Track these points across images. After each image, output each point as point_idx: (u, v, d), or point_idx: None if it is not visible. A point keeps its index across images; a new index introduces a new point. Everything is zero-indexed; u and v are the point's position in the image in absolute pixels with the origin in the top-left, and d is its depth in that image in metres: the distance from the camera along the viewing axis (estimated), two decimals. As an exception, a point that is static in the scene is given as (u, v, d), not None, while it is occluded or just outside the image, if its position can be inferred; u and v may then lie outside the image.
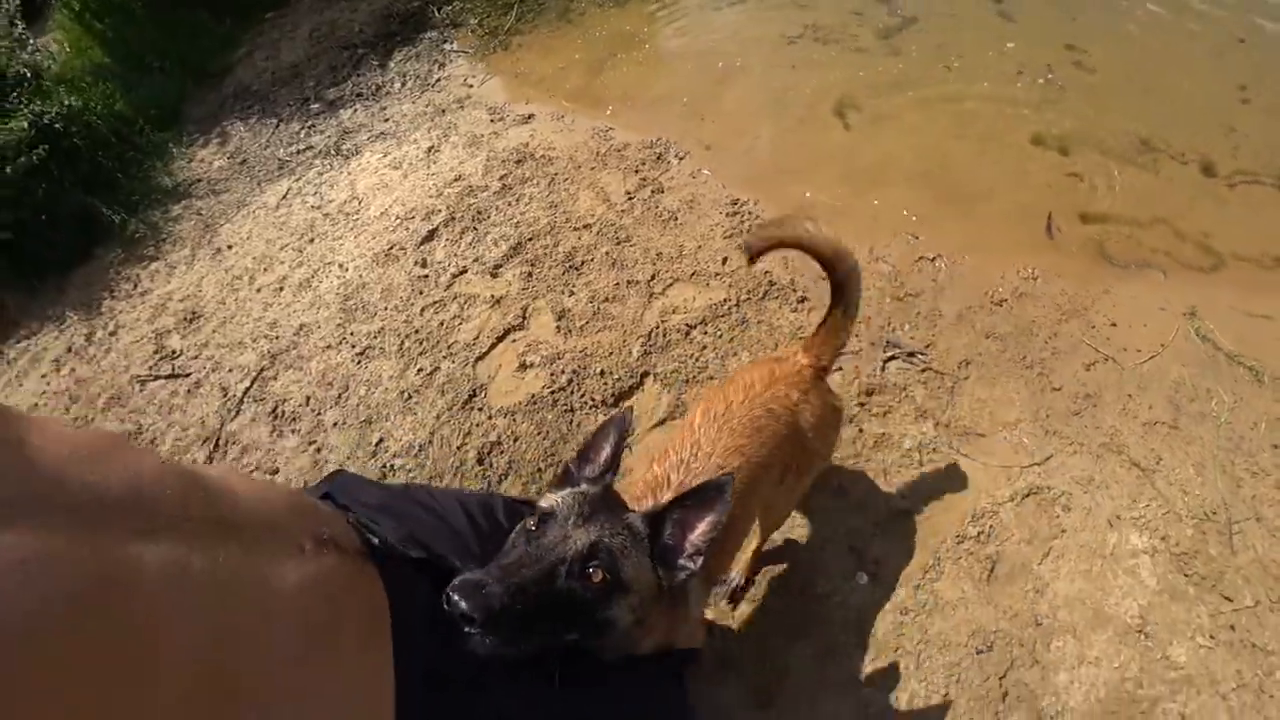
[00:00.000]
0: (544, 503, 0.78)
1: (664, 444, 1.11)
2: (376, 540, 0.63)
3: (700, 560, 0.77)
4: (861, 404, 1.61)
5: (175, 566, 0.41)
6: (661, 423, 1.66)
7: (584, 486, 0.81)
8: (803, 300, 1.83)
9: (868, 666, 1.25)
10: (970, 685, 1.21)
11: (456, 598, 0.61)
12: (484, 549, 0.78)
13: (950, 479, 1.46)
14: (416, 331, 2.01)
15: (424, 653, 0.60)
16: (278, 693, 0.47)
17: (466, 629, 0.61)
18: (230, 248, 2.73)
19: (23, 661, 0.32)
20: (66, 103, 3.23)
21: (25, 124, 2.92)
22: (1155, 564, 1.30)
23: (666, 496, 0.95)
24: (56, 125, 3.09)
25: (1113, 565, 1.31)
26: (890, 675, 1.24)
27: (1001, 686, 1.20)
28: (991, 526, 1.37)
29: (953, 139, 2.14)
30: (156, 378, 2.32)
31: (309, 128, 3.28)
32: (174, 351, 2.38)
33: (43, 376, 2.59)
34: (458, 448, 1.71)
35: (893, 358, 1.69)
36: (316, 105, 3.44)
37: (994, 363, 1.64)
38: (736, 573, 1.38)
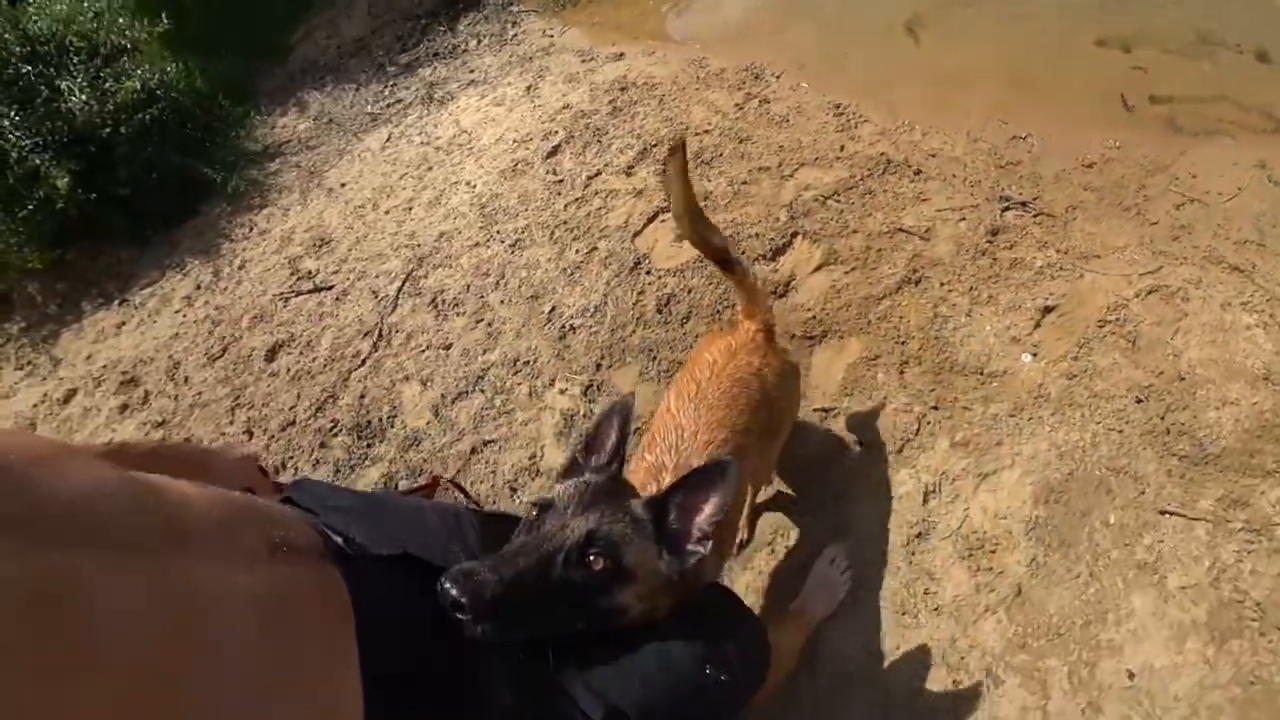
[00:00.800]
0: (547, 494, 0.79)
1: (647, 435, 1.16)
2: (341, 540, 0.63)
3: (709, 545, 0.76)
4: (989, 241, 1.86)
5: (116, 575, 0.41)
6: (819, 268, 1.89)
7: (588, 476, 0.81)
8: (918, 173, 2.09)
9: (1052, 418, 1.49)
10: (1138, 425, 1.45)
11: (448, 585, 0.61)
12: (460, 547, 0.77)
13: (1082, 286, 1.71)
14: (564, 223, 2.21)
15: (399, 652, 0.59)
16: (232, 700, 0.46)
17: (458, 616, 0.61)
18: (343, 185, 2.90)
19: None
20: (155, 76, 3.38)
21: (138, 85, 3.07)
22: (1268, 334, 1.56)
23: (667, 480, 0.98)
24: (158, 91, 3.25)
25: (1233, 336, 1.56)
26: (1072, 421, 1.47)
27: (1164, 423, 1.44)
28: (1125, 314, 1.62)
29: (1020, 49, 2.43)
30: (299, 293, 2.48)
31: (390, 87, 3.48)
32: (311, 271, 2.55)
33: (176, 312, 2.73)
34: (634, 304, 1.91)
35: (1008, 208, 1.95)
36: (392, 69, 3.63)
37: (1095, 207, 1.91)
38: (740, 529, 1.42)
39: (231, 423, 2.18)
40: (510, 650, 0.68)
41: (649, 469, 1.04)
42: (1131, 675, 1.19)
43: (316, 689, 0.53)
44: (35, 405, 2.70)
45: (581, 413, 1.72)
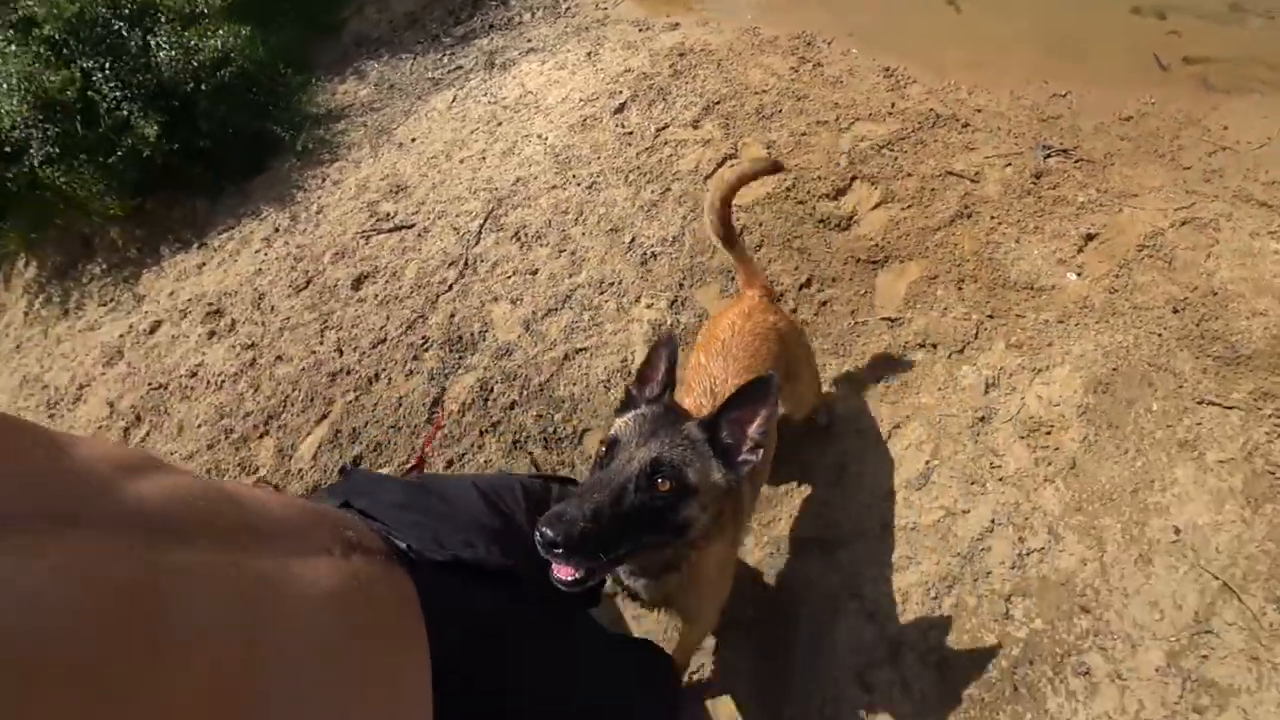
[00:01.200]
0: (611, 430, 0.87)
1: (682, 386, 1.28)
2: (403, 545, 0.66)
3: (760, 452, 0.86)
4: (1034, 182, 2.03)
5: (206, 571, 0.43)
6: (878, 205, 2.07)
7: (644, 408, 0.89)
8: (965, 125, 2.27)
9: (1097, 324, 1.66)
10: (1175, 330, 1.62)
11: (544, 528, 0.70)
12: (506, 528, 0.85)
13: (1121, 218, 1.88)
14: (637, 168, 2.39)
15: (461, 657, 0.61)
16: (316, 694, 0.48)
17: (555, 551, 0.71)
18: (413, 141, 3.08)
19: (52, 664, 0.33)
20: (230, 39, 3.57)
21: (218, 45, 3.26)
22: (1292, 259, 1.73)
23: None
24: (231, 55, 3.44)
25: (1261, 259, 1.74)
26: (1115, 327, 1.64)
27: (1199, 330, 1.61)
28: (1161, 241, 1.80)
29: (1057, 16, 2.62)
30: (379, 232, 2.65)
31: (449, 55, 3.66)
32: (390, 213, 2.72)
33: (256, 252, 2.90)
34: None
35: (1050, 155, 2.12)
36: (448, 40, 3.82)
37: (1131, 154, 2.09)
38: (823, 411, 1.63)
39: (321, 343, 2.35)
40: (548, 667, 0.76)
41: (690, 410, 1.12)
42: (1177, 531, 1.36)
43: (395, 685, 0.54)
44: (121, 336, 2.88)
45: (668, 323, 1.89)
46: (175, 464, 0.60)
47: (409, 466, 1.17)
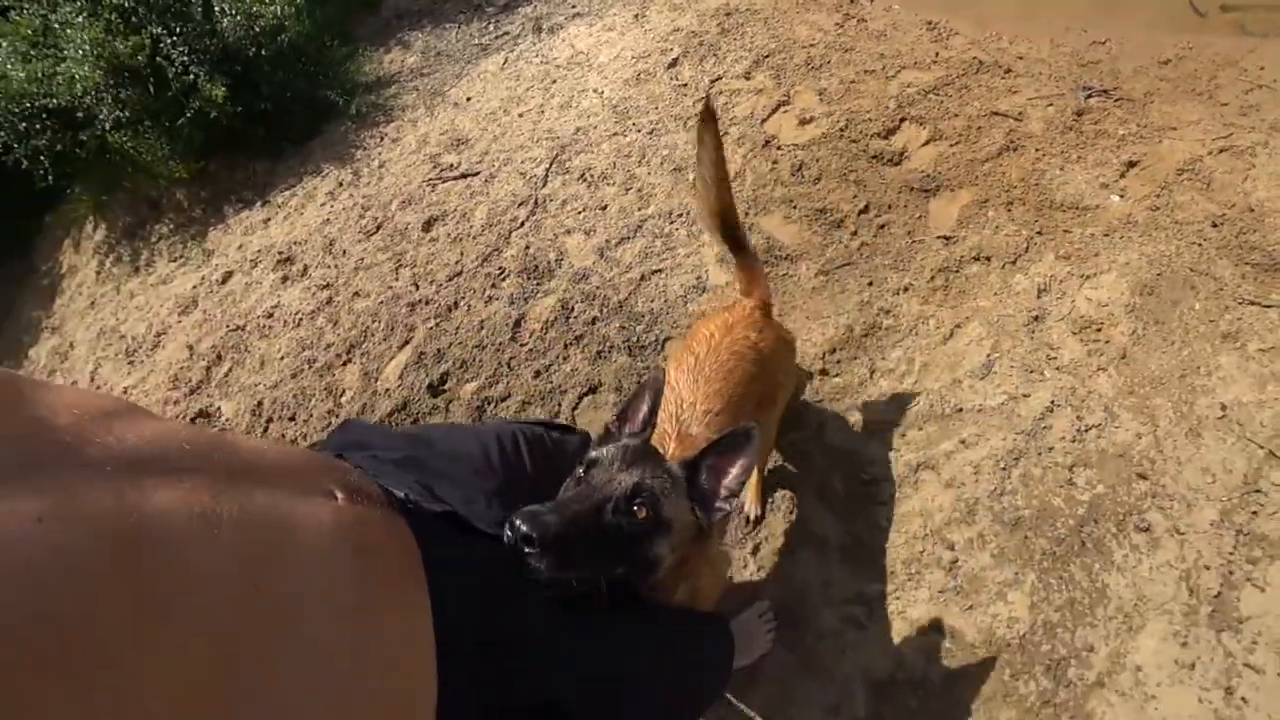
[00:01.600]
0: (591, 454, 0.86)
1: None
2: (401, 495, 0.64)
3: (734, 502, 0.86)
4: (1075, 120, 2.16)
5: (201, 511, 0.41)
6: (927, 143, 2.20)
7: (625, 441, 0.89)
8: (1008, 71, 2.39)
9: (1141, 237, 1.79)
10: (1215, 241, 1.75)
11: (518, 522, 0.68)
12: (508, 478, 0.85)
13: (1161, 148, 2.01)
14: (695, 115, 2.52)
15: (461, 607, 0.59)
16: (324, 645, 0.45)
17: (526, 549, 0.68)
18: (468, 100, 3.23)
19: (46, 617, 0.30)
20: (283, 6, 3.71)
21: (278, 10, 3.41)
22: (1323, 180, 1.86)
23: (671, 446, 1.09)
24: (285, 23, 3.59)
25: (1294, 181, 1.86)
26: (1157, 239, 1.78)
27: (1237, 240, 1.74)
28: (1199, 166, 1.93)
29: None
30: (445, 179, 2.80)
31: (494, 23, 3.80)
32: (453, 164, 2.86)
33: (321, 205, 3.05)
34: (769, 170, 2.22)
35: (1090, 96, 2.25)
36: (491, 9, 3.95)
37: (1170, 93, 2.21)
38: (751, 505, 1.53)
39: (397, 279, 2.49)
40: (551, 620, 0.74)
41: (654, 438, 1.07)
42: (1224, 408, 1.49)
43: (398, 640, 0.53)
44: (194, 287, 3.03)
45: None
46: (158, 414, 0.54)
47: None
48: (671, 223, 2.18)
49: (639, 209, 2.26)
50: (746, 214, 2.12)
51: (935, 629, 1.37)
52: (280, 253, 2.91)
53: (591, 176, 2.46)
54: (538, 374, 1.93)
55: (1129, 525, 1.39)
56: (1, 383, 0.40)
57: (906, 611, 1.40)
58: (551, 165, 2.59)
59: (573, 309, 2.06)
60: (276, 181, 3.37)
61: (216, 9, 3.32)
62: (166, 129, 3.30)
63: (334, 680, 0.45)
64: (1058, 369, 1.61)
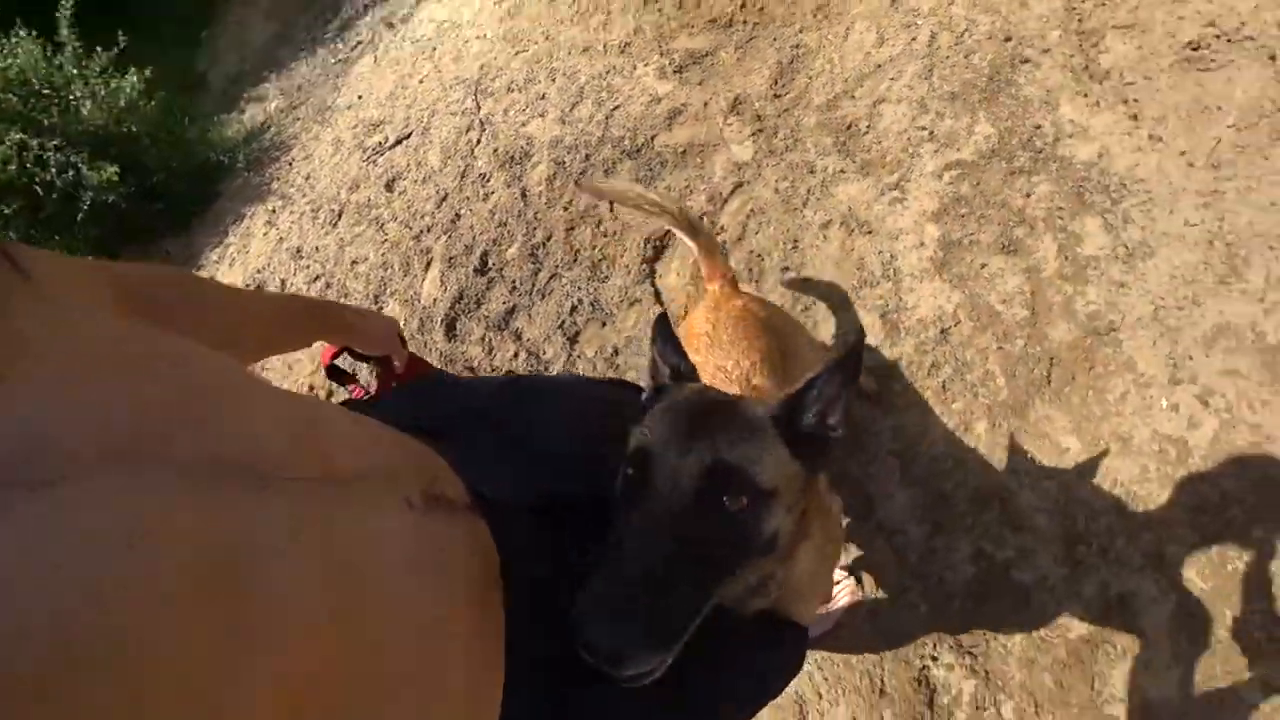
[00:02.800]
0: (634, 441, 0.65)
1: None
2: (486, 492, 0.59)
3: (841, 429, 0.68)
4: None
5: (293, 526, 0.38)
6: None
7: (669, 397, 0.69)
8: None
9: (1164, 77, 2.41)
10: None
11: (589, 639, 0.51)
12: (592, 459, 0.70)
13: None
14: (579, 11, 2.91)
15: (537, 627, 0.54)
16: (399, 681, 0.42)
17: (618, 674, 0.52)
18: (360, 98, 3.41)
19: (131, 644, 0.28)
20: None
21: (126, 88, 3.39)
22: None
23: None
24: (139, 101, 3.57)
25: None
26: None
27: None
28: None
29: None
30: (383, 152, 2.99)
31: (340, 41, 3.97)
32: (382, 141, 3.06)
33: (265, 235, 3.11)
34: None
35: None
36: (329, 34, 4.12)
37: None
38: None
39: (386, 234, 2.66)
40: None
41: None
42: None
43: (468, 674, 0.49)
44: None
45: (674, 62, 2.44)
46: (251, 385, 0.47)
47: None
48: (605, 77, 2.56)
49: (571, 83, 2.62)
50: (660, 41, 2.54)
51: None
52: (248, 283, 2.95)
53: (517, 85, 2.78)
54: (566, 207, 2.23)
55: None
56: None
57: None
58: (476, 95, 2.88)
59: (564, 162, 2.38)
60: (200, 246, 3.35)
61: (71, 99, 3.27)
62: (62, 233, 3.21)
63: (403, 709, 0.43)
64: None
